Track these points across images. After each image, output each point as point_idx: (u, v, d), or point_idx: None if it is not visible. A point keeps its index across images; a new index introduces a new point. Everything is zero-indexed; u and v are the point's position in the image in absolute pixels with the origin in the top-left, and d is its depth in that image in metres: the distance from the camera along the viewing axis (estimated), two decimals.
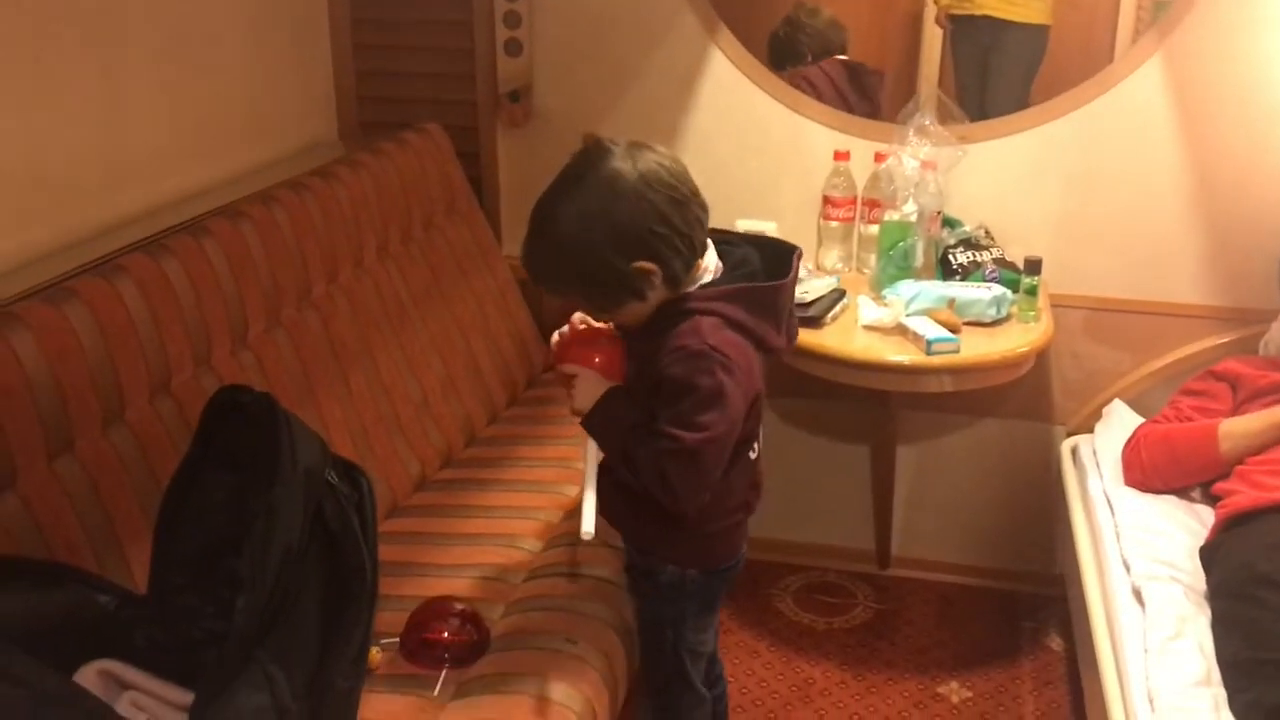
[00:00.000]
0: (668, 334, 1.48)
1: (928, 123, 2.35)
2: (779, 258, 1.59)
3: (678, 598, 1.67)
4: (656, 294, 1.50)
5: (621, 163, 1.46)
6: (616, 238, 1.45)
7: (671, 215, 1.46)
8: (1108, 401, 2.50)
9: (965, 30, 2.88)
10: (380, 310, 2.24)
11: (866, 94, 2.69)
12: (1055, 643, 2.54)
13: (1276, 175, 2.34)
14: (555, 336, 1.65)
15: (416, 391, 2.24)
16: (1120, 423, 2.39)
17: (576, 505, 1.60)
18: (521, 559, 1.95)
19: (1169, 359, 2.50)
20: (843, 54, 2.72)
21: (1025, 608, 2.65)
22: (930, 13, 3.14)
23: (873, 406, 2.64)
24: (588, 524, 1.52)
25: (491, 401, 2.45)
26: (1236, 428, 2.06)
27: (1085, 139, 2.44)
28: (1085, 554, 2.10)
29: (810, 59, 2.69)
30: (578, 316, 1.64)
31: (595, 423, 1.56)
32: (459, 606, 1.65)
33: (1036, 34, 2.75)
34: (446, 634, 1.59)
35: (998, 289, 2.29)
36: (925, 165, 2.38)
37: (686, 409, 1.46)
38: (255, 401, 1.24)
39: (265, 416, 1.22)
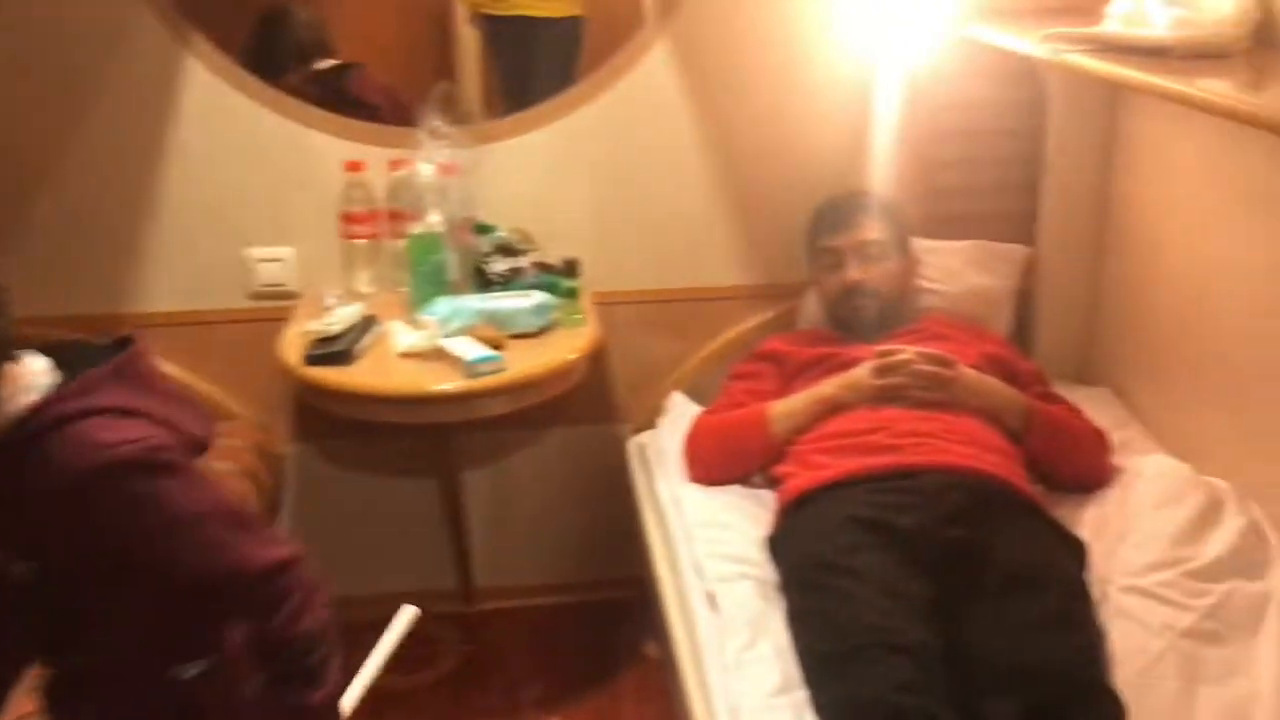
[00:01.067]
0: (36, 479, 1.01)
1: (440, 125, 2.15)
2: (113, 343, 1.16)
3: None
4: None
5: None
6: None
7: None
8: (668, 394, 2.45)
9: (499, 30, 2.80)
10: None
11: (346, 93, 2.46)
12: (652, 649, 2.46)
13: (790, 147, 2.38)
14: None
15: None
16: (681, 415, 2.33)
17: None
18: None
19: (719, 343, 2.49)
20: (329, 56, 2.47)
21: (620, 617, 2.54)
22: (459, 13, 3.01)
23: (428, 435, 2.42)
24: None
25: None
26: (783, 407, 2.04)
27: (609, 127, 2.36)
28: (660, 561, 2.00)
29: (295, 64, 2.42)
30: None
31: None
32: None
33: (570, 26, 2.70)
34: None
35: (539, 296, 2.14)
36: (446, 170, 2.19)
37: (188, 558, 1.02)
38: None
39: None
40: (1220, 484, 1.78)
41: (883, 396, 1.97)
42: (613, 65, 2.35)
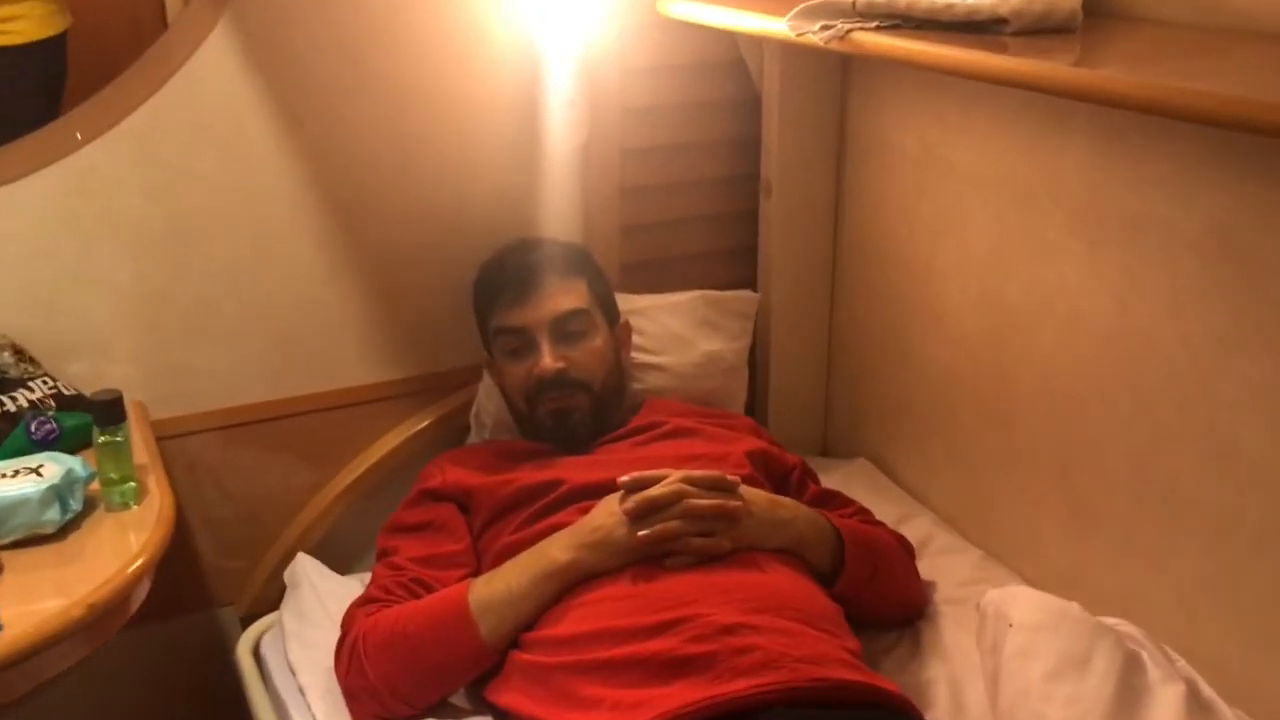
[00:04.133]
0: None
1: None
2: None
3: None
4: None
5: None
6: None
7: None
8: (290, 557, 1.64)
9: None
10: None
11: None
12: None
13: (433, 176, 1.68)
14: None
15: None
16: (315, 593, 1.55)
17: None
18: None
19: (360, 468, 1.72)
20: None
21: None
22: None
23: None
24: None
25: None
26: (494, 593, 1.31)
27: (147, 164, 1.52)
28: None
29: None
30: None
31: None
32: None
33: (41, 50, 1.95)
34: None
35: (56, 464, 1.26)
36: None
37: None
38: None
39: None
40: (1125, 627, 1.30)
41: (649, 553, 1.30)
42: (143, 68, 1.51)
